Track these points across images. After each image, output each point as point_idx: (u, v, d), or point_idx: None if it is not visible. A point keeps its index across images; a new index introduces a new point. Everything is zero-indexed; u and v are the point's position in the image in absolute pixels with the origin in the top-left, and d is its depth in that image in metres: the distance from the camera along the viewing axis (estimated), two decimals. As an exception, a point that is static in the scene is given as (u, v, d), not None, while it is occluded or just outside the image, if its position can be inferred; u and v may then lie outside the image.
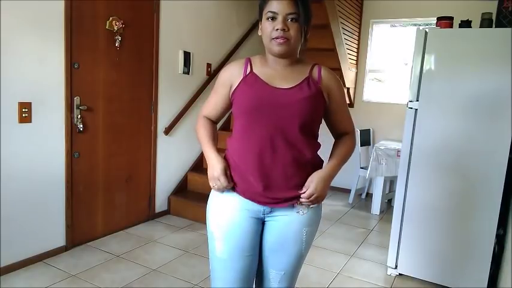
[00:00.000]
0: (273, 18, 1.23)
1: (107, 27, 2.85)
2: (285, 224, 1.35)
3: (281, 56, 1.28)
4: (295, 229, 1.35)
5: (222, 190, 1.34)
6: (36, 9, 2.38)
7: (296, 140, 1.28)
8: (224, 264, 1.36)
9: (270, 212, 1.34)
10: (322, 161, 1.38)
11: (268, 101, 1.27)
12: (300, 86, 1.29)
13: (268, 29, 1.24)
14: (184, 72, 3.64)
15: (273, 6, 1.23)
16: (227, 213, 1.34)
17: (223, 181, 1.31)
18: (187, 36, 3.66)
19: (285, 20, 1.22)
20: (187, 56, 3.63)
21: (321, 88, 1.30)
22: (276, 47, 1.25)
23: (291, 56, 1.31)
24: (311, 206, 1.33)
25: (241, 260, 1.34)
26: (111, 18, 2.86)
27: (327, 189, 1.33)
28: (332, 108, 1.36)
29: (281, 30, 1.22)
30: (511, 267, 2.13)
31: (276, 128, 1.27)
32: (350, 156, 1.41)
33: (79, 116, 2.72)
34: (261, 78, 1.30)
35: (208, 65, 3.94)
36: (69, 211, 2.75)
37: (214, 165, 1.33)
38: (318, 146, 1.37)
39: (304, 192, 1.29)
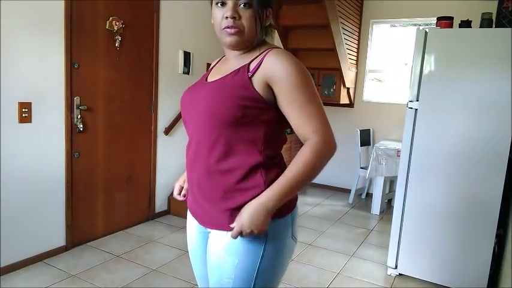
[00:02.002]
0: (223, 4, 1.05)
1: (107, 27, 2.85)
2: (209, 244, 1.15)
3: (233, 47, 1.10)
4: (213, 254, 1.11)
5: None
6: (36, 9, 2.38)
7: (212, 147, 1.05)
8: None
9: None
10: (263, 179, 1.05)
11: (188, 101, 1.14)
12: (225, 77, 1.07)
13: (218, 17, 1.06)
14: (184, 72, 3.64)
15: None
16: (188, 230, 1.30)
17: (175, 194, 1.33)
18: (187, 36, 3.66)
19: (235, 6, 1.03)
20: (187, 56, 3.63)
21: (255, 77, 1.02)
22: (226, 38, 1.06)
23: (245, 48, 1.10)
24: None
25: (201, 278, 1.31)
26: (111, 18, 2.86)
27: (259, 222, 1.00)
28: (280, 105, 1.03)
29: (231, 18, 1.03)
30: (511, 267, 2.13)
31: (195, 132, 1.10)
32: (309, 174, 1.00)
33: (79, 116, 2.72)
34: (210, 74, 1.18)
35: (208, 65, 3.94)
36: (69, 211, 2.75)
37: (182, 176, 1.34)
38: (252, 158, 1.04)
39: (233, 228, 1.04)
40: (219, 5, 1.05)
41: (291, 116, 1.02)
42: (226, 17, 1.03)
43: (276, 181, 1.01)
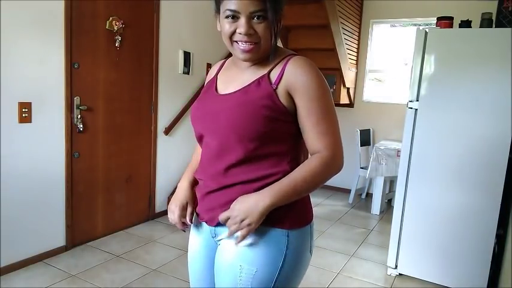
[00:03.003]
0: (234, 17, 0.96)
1: (107, 27, 2.85)
2: (221, 250, 1.09)
3: (248, 61, 1.03)
4: (228, 260, 1.06)
5: (174, 223, 1.17)
6: (36, 9, 2.38)
7: (238, 162, 1.01)
8: None
9: (215, 234, 1.11)
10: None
11: (202, 114, 1.08)
12: (246, 89, 1.01)
13: (228, 31, 0.98)
14: (184, 72, 3.64)
15: (232, 4, 0.95)
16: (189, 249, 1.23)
17: (176, 216, 1.15)
18: (187, 36, 3.66)
19: (249, 20, 0.95)
20: (187, 56, 3.63)
21: (279, 88, 0.98)
22: (240, 54, 1.00)
23: (260, 58, 1.04)
24: (238, 240, 1.00)
25: None
26: (111, 18, 2.86)
27: (252, 213, 0.96)
28: (298, 115, 1.00)
29: (245, 35, 0.96)
30: (511, 267, 2.13)
31: (217, 146, 1.05)
32: (312, 182, 0.98)
33: (79, 116, 2.72)
34: (219, 83, 1.11)
35: (208, 65, 3.94)
36: (69, 211, 2.75)
37: (176, 195, 1.19)
38: (279, 169, 1.01)
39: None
40: (229, 18, 0.96)
41: (305, 127, 1.00)
42: (240, 33, 0.96)
43: (279, 181, 0.98)
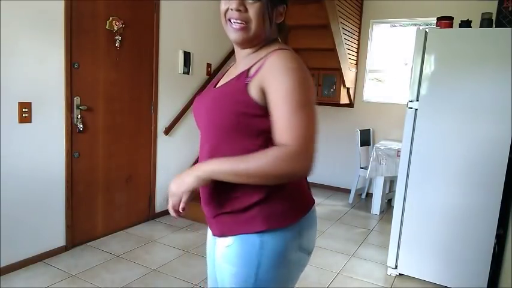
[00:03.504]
0: None
1: (107, 27, 2.85)
2: (215, 248, 1.13)
3: (240, 45, 1.04)
4: (216, 259, 1.10)
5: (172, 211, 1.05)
6: (36, 9, 2.38)
7: (213, 154, 1.01)
8: None
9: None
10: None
11: (198, 106, 1.11)
12: (228, 82, 1.02)
13: (223, 9, 1.00)
14: (184, 72, 3.64)
15: None
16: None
17: (184, 200, 1.01)
18: (187, 36, 3.66)
19: None
20: (187, 56, 3.63)
21: (253, 82, 0.96)
22: (231, 34, 1.01)
23: (253, 46, 1.03)
24: (175, 215, 1.03)
25: None
26: (111, 18, 2.86)
27: (181, 180, 0.98)
28: (268, 108, 0.96)
29: (236, 10, 0.97)
30: (511, 267, 2.13)
31: (203, 138, 1.08)
32: (259, 166, 0.90)
33: (79, 116, 2.72)
34: (223, 78, 1.13)
35: (208, 65, 3.94)
36: (69, 211, 2.75)
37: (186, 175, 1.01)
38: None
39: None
40: None
41: (273, 119, 0.93)
42: (231, 9, 0.97)
43: (226, 158, 0.95)
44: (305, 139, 0.89)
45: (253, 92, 0.95)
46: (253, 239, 0.99)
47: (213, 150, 1.02)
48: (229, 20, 1.00)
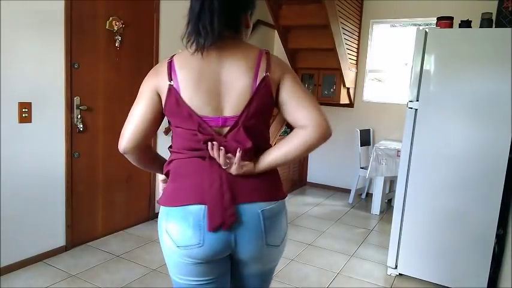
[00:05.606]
0: None
1: (107, 27, 2.85)
2: None
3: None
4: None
5: None
6: (36, 9, 2.38)
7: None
8: None
9: None
10: None
11: None
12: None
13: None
14: (184, 72, 3.63)
15: None
16: None
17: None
18: (187, 36, 3.65)
19: None
20: (187, 56, 3.62)
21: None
22: None
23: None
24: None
25: None
26: (111, 18, 2.86)
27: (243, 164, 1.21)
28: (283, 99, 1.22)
29: None
30: (511, 267, 2.13)
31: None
32: (305, 151, 1.15)
33: (79, 116, 2.72)
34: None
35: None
36: (69, 211, 2.75)
37: None
38: None
39: None
40: None
41: (295, 106, 1.13)
42: None
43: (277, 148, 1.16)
44: (325, 118, 1.12)
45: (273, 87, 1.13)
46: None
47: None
48: None
